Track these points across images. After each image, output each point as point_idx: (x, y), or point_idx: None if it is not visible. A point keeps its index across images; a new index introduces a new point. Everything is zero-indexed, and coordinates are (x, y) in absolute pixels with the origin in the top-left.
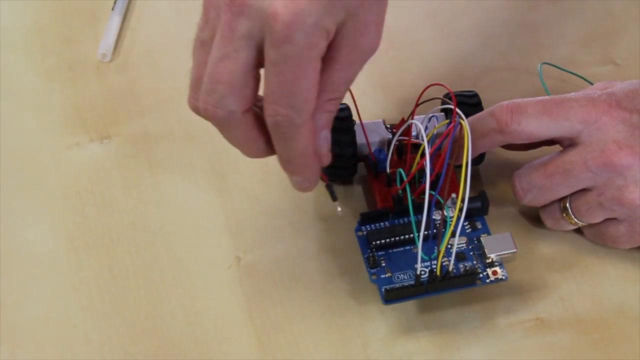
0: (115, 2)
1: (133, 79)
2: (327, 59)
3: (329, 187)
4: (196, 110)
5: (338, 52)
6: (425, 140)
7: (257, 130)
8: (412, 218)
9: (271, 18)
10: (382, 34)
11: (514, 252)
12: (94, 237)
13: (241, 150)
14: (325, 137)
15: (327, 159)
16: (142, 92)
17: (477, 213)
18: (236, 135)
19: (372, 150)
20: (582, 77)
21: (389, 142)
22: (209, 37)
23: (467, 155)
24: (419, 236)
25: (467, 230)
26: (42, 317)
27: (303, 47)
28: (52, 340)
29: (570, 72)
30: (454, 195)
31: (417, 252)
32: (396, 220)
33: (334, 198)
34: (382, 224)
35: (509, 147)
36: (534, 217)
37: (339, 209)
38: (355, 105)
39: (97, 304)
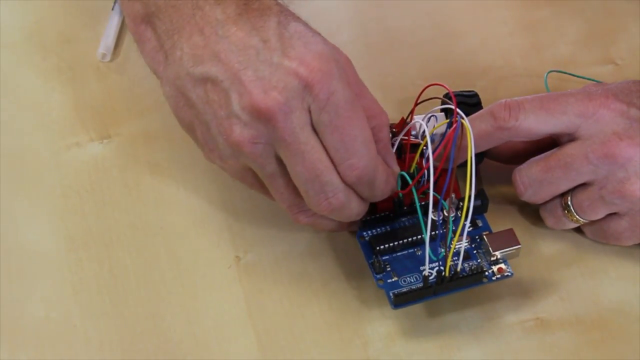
0: (115, 2)
1: (133, 79)
2: None
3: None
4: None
5: None
6: (430, 145)
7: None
8: (421, 220)
9: (307, 89)
10: None
11: (518, 248)
12: (93, 237)
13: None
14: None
15: (397, 169)
16: (142, 92)
17: (477, 211)
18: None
19: None
20: (591, 79)
21: None
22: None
23: (471, 156)
24: (427, 237)
25: (469, 229)
26: (42, 317)
27: (345, 92)
28: (52, 340)
29: (579, 76)
30: (453, 195)
31: (421, 254)
32: (397, 224)
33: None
34: (383, 228)
35: (505, 157)
36: (533, 216)
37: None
38: None
39: (97, 304)
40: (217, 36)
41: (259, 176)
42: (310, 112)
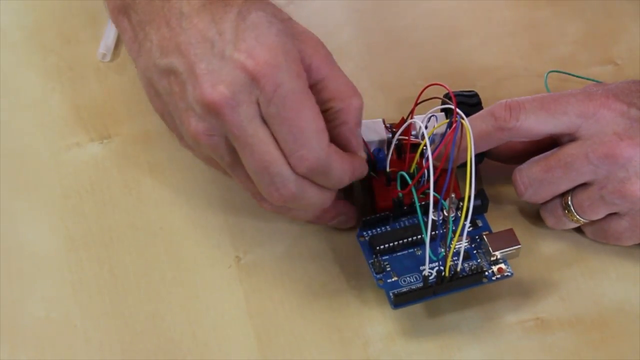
0: None
1: (133, 79)
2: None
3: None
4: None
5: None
6: (429, 144)
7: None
8: (421, 220)
9: (254, 82)
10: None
11: (518, 248)
12: (94, 237)
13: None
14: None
15: (363, 154)
16: (142, 92)
17: (477, 211)
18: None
19: (372, 150)
20: (591, 79)
21: (389, 141)
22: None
23: (471, 156)
24: (427, 237)
25: (469, 229)
26: (42, 317)
27: (292, 84)
28: (52, 340)
29: (579, 77)
30: (453, 195)
31: (421, 254)
32: (397, 224)
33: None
34: (383, 228)
35: (505, 157)
36: (533, 216)
37: None
38: None
39: (97, 304)
40: (181, 28)
41: (221, 165)
42: (259, 104)
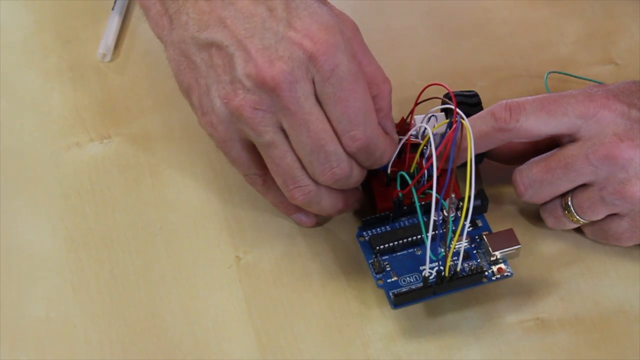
0: (115, 2)
1: (133, 79)
2: None
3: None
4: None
5: None
6: (432, 143)
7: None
8: (421, 220)
9: (311, 60)
10: None
11: (518, 248)
12: (94, 237)
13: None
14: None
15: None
16: (142, 92)
17: (476, 211)
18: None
19: None
20: (591, 80)
21: None
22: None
23: (471, 156)
24: (427, 237)
25: (469, 229)
26: (42, 317)
27: (349, 65)
28: (52, 340)
29: (578, 77)
30: (453, 195)
31: (421, 254)
32: (396, 224)
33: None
34: (383, 228)
35: (504, 157)
36: (533, 216)
37: None
38: None
39: (97, 304)
40: (223, 2)
41: (256, 146)
42: (314, 83)
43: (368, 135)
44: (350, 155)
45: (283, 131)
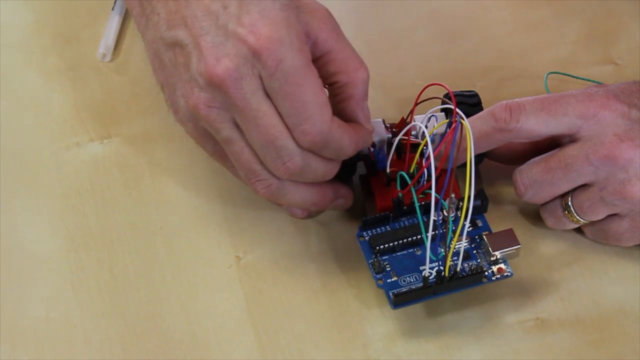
0: (115, 2)
1: (133, 79)
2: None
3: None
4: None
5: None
6: (430, 145)
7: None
8: (421, 220)
9: (255, 56)
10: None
11: (518, 248)
12: (94, 237)
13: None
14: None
15: (371, 127)
16: (142, 92)
17: (476, 211)
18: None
19: (372, 150)
20: (591, 80)
21: (389, 141)
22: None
23: (470, 156)
24: (427, 237)
25: (469, 229)
26: (42, 317)
27: (295, 59)
28: (52, 340)
29: (578, 77)
30: (452, 195)
31: (420, 254)
32: (397, 224)
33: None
34: (383, 228)
35: (504, 158)
36: (533, 216)
37: None
38: None
39: (97, 304)
40: (187, 1)
41: (218, 141)
42: (261, 79)
43: (319, 129)
44: (305, 149)
45: (239, 127)
